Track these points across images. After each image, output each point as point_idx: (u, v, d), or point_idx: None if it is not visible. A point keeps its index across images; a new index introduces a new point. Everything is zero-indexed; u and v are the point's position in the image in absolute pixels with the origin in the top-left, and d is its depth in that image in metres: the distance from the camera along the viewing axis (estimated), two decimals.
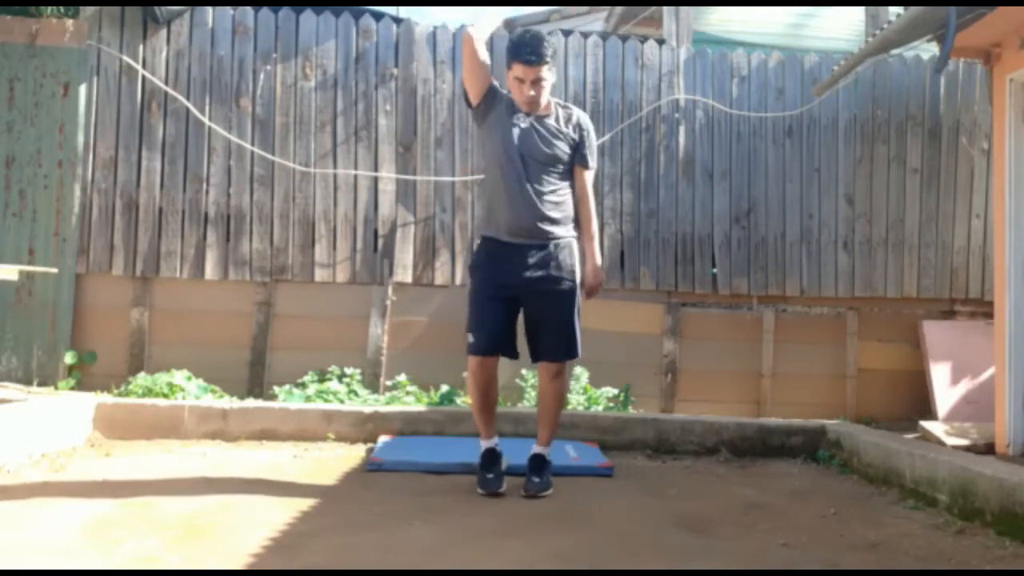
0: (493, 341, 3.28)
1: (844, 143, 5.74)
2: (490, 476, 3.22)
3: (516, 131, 3.25)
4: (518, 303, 3.34)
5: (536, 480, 3.23)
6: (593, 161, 3.43)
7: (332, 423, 4.19)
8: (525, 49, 3.18)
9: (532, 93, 3.21)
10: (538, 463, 3.31)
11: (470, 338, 3.29)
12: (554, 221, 3.30)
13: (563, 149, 3.32)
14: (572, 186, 3.39)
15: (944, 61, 3.90)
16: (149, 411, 4.15)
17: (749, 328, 5.63)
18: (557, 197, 3.31)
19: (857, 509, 3.17)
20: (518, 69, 3.18)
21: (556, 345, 3.35)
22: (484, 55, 3.28)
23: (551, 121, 3.33)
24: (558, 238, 3.31)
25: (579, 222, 3.42)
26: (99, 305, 5.18)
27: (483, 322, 3.27)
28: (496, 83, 3.36)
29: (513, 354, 3.38)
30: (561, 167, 3.32)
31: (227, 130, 5.29)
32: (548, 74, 3.22)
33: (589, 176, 3.42)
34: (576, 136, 3.35)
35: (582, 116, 3.42)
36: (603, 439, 4.18)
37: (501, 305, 3.30)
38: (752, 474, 3.83)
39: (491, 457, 3.30)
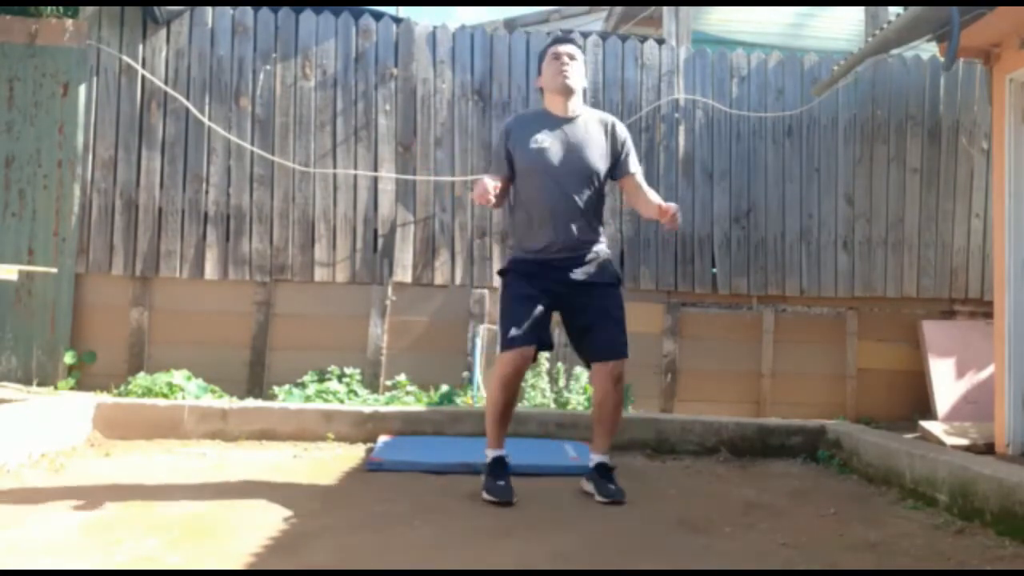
0: (534, 332, 3.14)
1: (844, 143, 5.74)
2: (501, 483, 3.10)
3: (545, 144, 3.23)
4: (555, 307, 3.25)
5: (612, 487, 3.15)
6: (637, 165, 3.40)
7: (332, 423, 4.19)
8: (560, 38, 3.54)
9: (565, 62, 3.27)
10: (606, 470, 3.24)
11: (512, 332, 3.12)
12: (590, 231, 3.26)
13: (594, 158, 3.27)
14: (604, 194, 3.36)
15: (952, 59, 3.90)
16: (149, 411, 4.14)
17: (749, 328, 5.63)
18: (589, 205, 3.26)
19: (857, 509, 3.16)
20: (554, 48, 3.33)
21: (614, 336, 3.21)
22: (498, 181, 3.20)
23: (581, 127, 3.29)
24: (596, 252, 3.28)
25: (649, 210, 3.32)
26: (99, 305, 5.18)
27: (523, 316, 3.13)
28: (506, 140, 3.30)
29: (550, 345, 3.29)
30: (592, 176, 3.26)
31: (227, 130, 5.29)
32: (579, 56, 3.33)
33: (640, 179, 3.39)
34: (616, 147, 3.33)
35: (619, 126, 3.38)
36: None
37: (540, 301, 3.18)
38: (752, 474, 3.83)
39: (502, 465, 3.19)
